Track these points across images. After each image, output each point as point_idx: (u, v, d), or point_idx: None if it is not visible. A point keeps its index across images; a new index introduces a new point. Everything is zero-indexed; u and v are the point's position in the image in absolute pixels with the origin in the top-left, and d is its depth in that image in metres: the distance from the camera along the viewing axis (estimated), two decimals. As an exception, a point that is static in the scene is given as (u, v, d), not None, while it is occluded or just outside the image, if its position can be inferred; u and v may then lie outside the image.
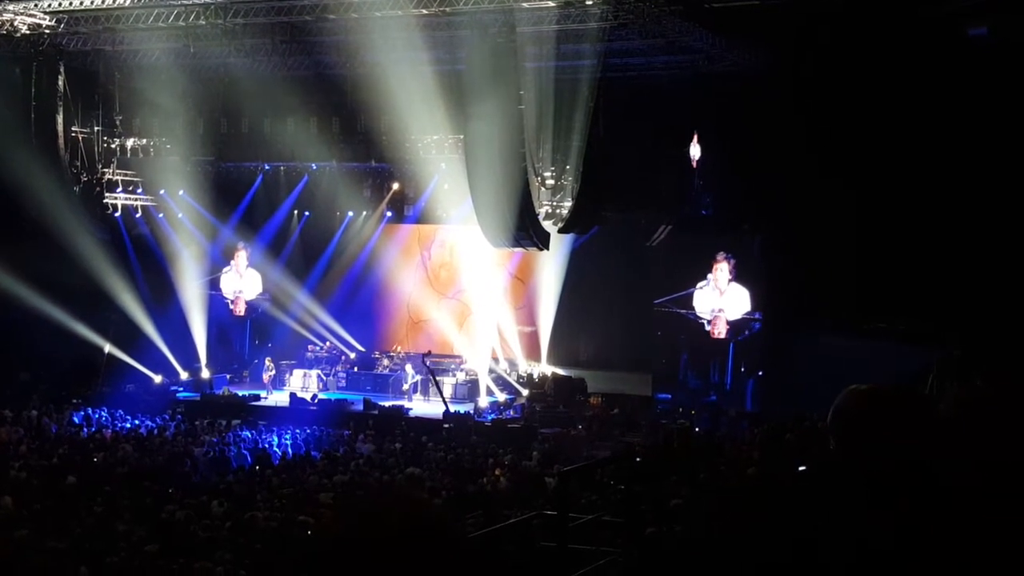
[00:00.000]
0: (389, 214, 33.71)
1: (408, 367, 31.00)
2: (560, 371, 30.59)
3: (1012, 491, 2.99)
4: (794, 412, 23.18)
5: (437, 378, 29.08)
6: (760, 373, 28.33)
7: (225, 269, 33.22)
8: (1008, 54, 21.37)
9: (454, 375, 30.80)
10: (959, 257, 23.22)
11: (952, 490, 2.91)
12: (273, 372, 31.75)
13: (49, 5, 26.82)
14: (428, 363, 29.72)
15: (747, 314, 28.00)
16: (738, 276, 28.11)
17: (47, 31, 27.70)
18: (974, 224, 23.04)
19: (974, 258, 22.91)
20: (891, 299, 24.71)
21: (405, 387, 30.38)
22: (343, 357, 32.82)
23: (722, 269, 28.04)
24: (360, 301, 34.07)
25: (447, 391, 29.67)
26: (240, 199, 33.56)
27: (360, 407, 28.37)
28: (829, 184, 24.96)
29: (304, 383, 31.36)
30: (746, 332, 28.20)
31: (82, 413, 27.14)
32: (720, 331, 27.94)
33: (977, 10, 21.08)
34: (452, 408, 27.39)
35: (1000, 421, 3.14)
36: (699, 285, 28.23)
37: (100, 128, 31.44)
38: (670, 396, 28.89)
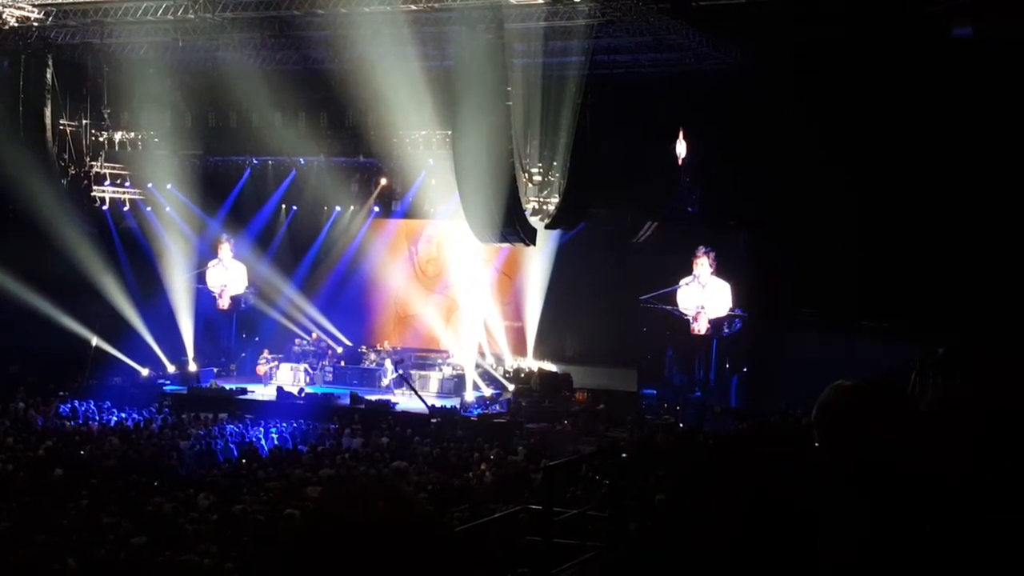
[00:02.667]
0: (377, 209, 33.68)
1: (387, 362, 31.05)
2: (546, 366, 30.60)
3: (992, 486, 3.05)
4: (778, 408, 23.37)
5: (412, 382, 29.07)
6: (745, 369, 28.41)
7: (211, 263, 33.18)
8: (992, 55, 21.51)
9: (440, 370, 30.81)
10: (944, 256, 23.35)
11: (933, 485, 2.95)
12: (271, 366, 31.72)
13: (38, -2, 26.79)
14: (401, 371, 29.73)
15: (729, 310, 28.09)
16: (722, 271, 28.21)
17: (35, 24, 27.62)
18: (959, 223, 23.17)
19: (959, 258, 23.04)
20: (876, 297, 24.84)
21: (385, 382, 30.40)
22: (330, 351, 32.81)
23: (703, 264, 28.13)
24: (347, 296, 34.03)
25: (434, 385, 29.87)
26: (228, 193, 33.50)
27: (347, 401, 28.39)
28: (815, 182, 25.07)
29: (294, 377, 31.38)
30: (726, 329, 28.25)
31: (69, 406, 27.08)
32: (701, 328, 28.04)
33: (962, 10, 21.20)
34: (430, 404, 27.35)
35: (979, 418, 3.19)
36: (683, 281, 28.33)
37: (88, 121, 31.36)
38: (655, 392, 28.95)
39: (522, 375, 30.15)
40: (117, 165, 32.07)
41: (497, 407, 28.32)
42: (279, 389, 29.84)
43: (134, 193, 32.58)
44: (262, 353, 32.27)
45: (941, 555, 2.82)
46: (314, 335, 33.05)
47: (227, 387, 30.55)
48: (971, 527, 2.88)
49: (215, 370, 32.73)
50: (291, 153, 31.42)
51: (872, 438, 2.98)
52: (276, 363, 31.87)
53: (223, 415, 26.47)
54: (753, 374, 27.92)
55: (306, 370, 31.59)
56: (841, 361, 20.73)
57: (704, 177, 28.95)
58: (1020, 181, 22.26)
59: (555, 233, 29.40)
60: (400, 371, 29.69)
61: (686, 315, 28.27)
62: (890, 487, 2.89)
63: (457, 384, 29.93)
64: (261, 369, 31.73)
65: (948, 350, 20.11)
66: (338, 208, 33.79)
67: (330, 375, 31.60)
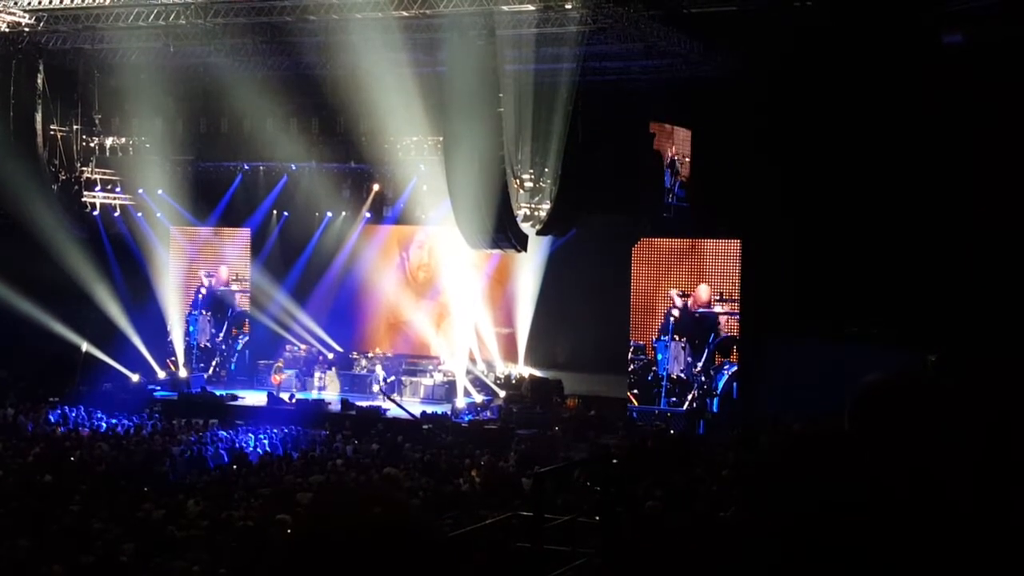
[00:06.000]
0: (368, 215, 33.64)
1: (379, 368, 31.06)
2: (537, 372, 30.61)
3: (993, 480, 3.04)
4: (769, 415, 23.36)
5: (395, 398, 29.11)
6: (735, 375, 28.40)
7: (203, 271, 33.42)
8: (983, 62, 21.58)
9: (431, 376, 30.82)
10: (935, 263, 23.42)
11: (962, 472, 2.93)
12: (285, 376, 31.69)
13: (29, 3, 26.73)
14: (385, 392, 29.72)
15: (720, 316, 28.12)
16: (713, 278, 28.24)
17: (27, 29, 27.60)
18: (950, 230, 23.23)
19: (950, 264, 23.10)
20: (866, 303, 24.90)
21: (376, 388, 30.42)
22: (321, 357, 32.80)
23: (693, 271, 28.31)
24: (339, 302, 34.01)
25: (422, 392, 30.02)
26: (219, 199, 33.52)
27: (338, 407, 28.36)
28: (806, 188, 25.15)
29: (295, 383, 31.49)
30: (717, 335, 28.22)
31: (58, 411, 27.04)
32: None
33: (953, 18, 21.27)
34: (418, 414, 27.39)
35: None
36: (674, 290, 28.39)
37: (79, 127, 31.30)
38: (646, 398, 28.94)
39: (513, 381, 30.14)
40: (108, 171, 32.02)
41: (488, 413, 28.32)
42: (270, 395, 29.84)
43: (125, 199, 32.56)
44: (276, 364, 32.26)
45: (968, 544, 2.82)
46: (303, 348, 33.02)
47: (217, 393, 30.51)
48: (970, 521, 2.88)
49: (205, 376, 32.71)
50: (282, 159, 31.41)
51: (914, 427, 2.97)
52: (260, 371, 32.02)
53: (214, 421, 26.43)
54: (745, 381, 27.92)
55: (297, 376, 31.68)
56: (832, 368, 20.71)
57: (696, 184, 29.00)
58: (1011, 188, 22.33)
59: (546, 239, 29.40)
60: (385, 392, 29.67)
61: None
62: (929, 474, 2.88)
63: (448, 390, 29.93)
64: (277, 378, 31.67)
65: (940, 356, 20.19)
66: (329, 214, 33.75)
67: (322, 381, 31.62)
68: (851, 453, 2.98)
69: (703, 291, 28.24)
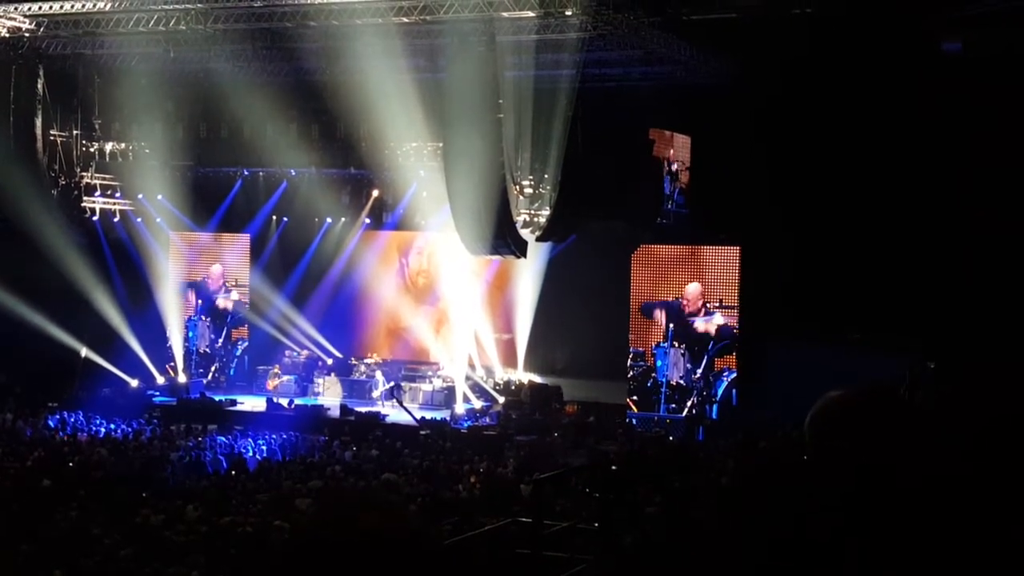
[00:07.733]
0: (368, 221, 33.66)
1: (378, 374, 31.04)
2: (536, 378, 30.59)
3: (989, 486, 3.04)
4: (768, 421, 23.37)
5: (401, 397, 29.14)
6: (735, 381, 28.40)
7: (204, 275, 33.46)
8: (981, 69, 21.61)
9: (430, 382, 30.79)
10: (935, 269, 23.43)
11: (931, 486, 2.92)
12: (281, 380, 31.68)
13: (29, 9, 26.78)
14: (393, 394, 29.75)
15: (720, 322, 28.11)
16: (713, 284, 28.24)
17: (27, 34, 27.64)
18: (950, 236, 23.24)
19: (950, 270, 23.11)
20: (867, 309, 24.90)
21: (375, 393, 30.40)
22: (320, 363, 32.79)
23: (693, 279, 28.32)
24: (338, 307, 33.99)
25: (421, 398, 29.98)
26: (219, 204, 33.55)
27: (336, 413, 28.35)
28: (806, 193, 25.16)
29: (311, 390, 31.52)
30: (717, 342, 28.21)
31: (57, 417, 27.00)
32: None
33: (952, 26, 21.31)
34: (419, 417, 27.39)
35: (974, 419, 3.17)
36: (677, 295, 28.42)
37: (79, 132, 31.32)
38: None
39: (512, 387, 30.13)
40: (107, 176, 32.03)
41: (487, 419, 28.27)
42: (269, 400, 29.82)
43: (125, 204, 32.55)
44: (273, 369, 32.24)
45: (941, 557, 2.81)
46: (302, 353, 33.00)
47: (216, 398, 30.49)
48: (970, 528, 2.87)
49: (204, 381, 32.70)
50: (282, 164, 31.41)
51: (869, 441, 2.95)
52: (259, 376, 32.00)
53: (212, 426, 26.40)
54: (744, 387, 27.92)
55: (296, 381, 31.67)
56: (832, 373, 20.71)
57: (695, 190, 29.02)
58: (1009, 194, 22.35)
59: (546, 245, 29.40)
60: (393, 394, 29.71)
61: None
62: (888, 490, 2.87)
63: (447, 396, 29.91)
64: (272, 384, 31.63)
65: (939, 363, 20.20)
66: (329, 219, 33.78)
67: (320, 386, 31.62)
68: (814, 463, 2.98)
69: (692, 289, 28.27)
